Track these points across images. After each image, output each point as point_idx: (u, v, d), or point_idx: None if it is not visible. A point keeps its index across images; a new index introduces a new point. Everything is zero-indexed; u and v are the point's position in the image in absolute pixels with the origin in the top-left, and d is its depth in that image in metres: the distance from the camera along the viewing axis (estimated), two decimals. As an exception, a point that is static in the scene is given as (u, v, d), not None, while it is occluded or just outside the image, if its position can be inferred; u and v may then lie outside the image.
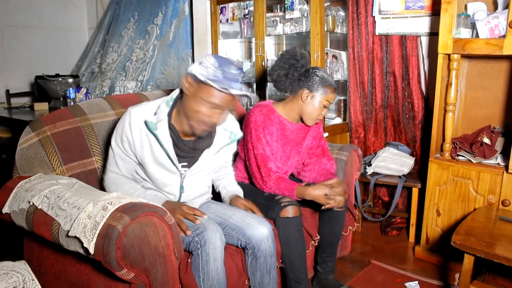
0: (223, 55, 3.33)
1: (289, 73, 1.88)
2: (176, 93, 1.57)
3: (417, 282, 2.13)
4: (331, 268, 2.04)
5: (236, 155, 2.09)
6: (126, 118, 1.52)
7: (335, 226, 1.96)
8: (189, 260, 1.49)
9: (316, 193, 1.76)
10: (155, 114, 1.53)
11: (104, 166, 1.68)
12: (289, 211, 1.72)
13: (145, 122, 1.50)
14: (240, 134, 1.72)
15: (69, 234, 1.25)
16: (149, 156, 1.54)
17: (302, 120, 1.92)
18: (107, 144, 1.75)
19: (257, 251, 1.60)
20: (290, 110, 1.91)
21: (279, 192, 1.81)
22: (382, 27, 2.71)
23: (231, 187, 1.83)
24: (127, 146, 1.54)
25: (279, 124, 1.89)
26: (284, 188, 1.80)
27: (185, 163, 1.60)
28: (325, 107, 1.86)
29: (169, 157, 1.54)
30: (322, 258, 2.02)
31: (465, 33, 2.13)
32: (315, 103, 1.85)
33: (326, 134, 2.41)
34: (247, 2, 3.06)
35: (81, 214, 1.25)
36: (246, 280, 1.65)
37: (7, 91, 3.88)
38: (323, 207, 1.78)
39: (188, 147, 1.59)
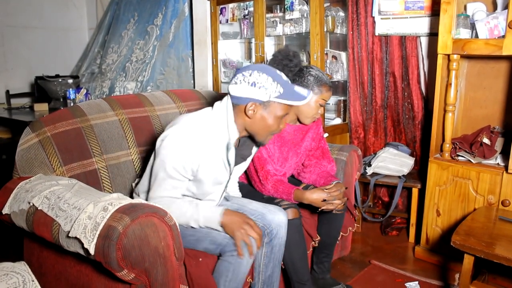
0: (223, 56, 3.34)
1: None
2: (225, 107, 1.49)
3: (417, 282, 2.13)
4: (327, 268, 2.04)
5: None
6: (192, 143, 1.41)
7: (332, 228, 1.97)
8: (200, 259, 1.50)
9: (313, 197, 1.76)
10: (219, 132, 1.47)
11: (148, 184, 1.55)
12: (289, 213, 1.72)
13: (227, 146, 1.47)
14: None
15: (70, 235, 1.25)
16: (209, 173, 1.50)
17: (299, 120, 1.92)
18: (115, 142, 1.76)
19: (274, 238, 1.61)
20: None
21: (277, 195, 1.81)
22: (382, 27, 2.71)
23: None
24: (190, 169, 1.44)
25: None
26: (282, 191, 1.80)
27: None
28: (320, 105, 1.86)
29: (229, 171, 1.55)
30: (319, 258, 2.02)
31: (465, 33, 2.13)
32: (310, 102, 1.84)
33: (326, 135, 2.41)
34: (247, 2, 3.06)
35: (81, 215, 1.25)
36: (249, 277, 1.65)
37: (7, 91, 3.88)
38: (319, 209, 1.78)
39: (238, 156, 1.60)
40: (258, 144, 1.62)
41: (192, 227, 1.48)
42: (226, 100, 1.49)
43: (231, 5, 3.17)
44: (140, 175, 1.78)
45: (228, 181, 1.61)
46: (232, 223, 1.43)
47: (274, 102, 1.43)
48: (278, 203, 1.76)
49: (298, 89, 1.47)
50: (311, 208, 1.89)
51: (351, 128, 2.98)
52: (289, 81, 1.48)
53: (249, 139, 1.62)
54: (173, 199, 1.47)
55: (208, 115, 1.50)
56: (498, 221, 1.85)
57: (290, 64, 1.86)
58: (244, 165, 1.71)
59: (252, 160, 1.83)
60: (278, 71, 1.47)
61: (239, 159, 1.63)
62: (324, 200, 1.76)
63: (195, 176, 1.48)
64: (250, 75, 1.40)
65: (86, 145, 1.72)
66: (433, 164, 2.28)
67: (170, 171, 1.42)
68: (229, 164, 1.53)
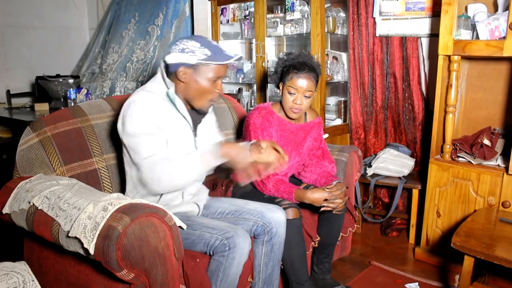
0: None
1: (277, 71, 1.90)
2: (159, 72, 1.56)
3: (417, 283, 2.13)
4: (328, 269, 2.04)
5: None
6: (145, 104, 1.46)
7: (332, 229, 1.96)
8: (197, 260, 1.50)
9: (314, 196, 1.76)
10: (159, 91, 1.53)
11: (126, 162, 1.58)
12: (290, 213, 1.72)
13: (167, 93, 1.52)
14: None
15: (69, 235, 1.25)
16: (172, 130, 1.52)
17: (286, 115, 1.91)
18: (116, 142, 1.76)
19: (274, 236, 1.63)
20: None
21: (278, 194, 1.81)
22: (383, 28, 2.71)
23: None
24: (155, 125, 1.46)
25: (278, 125, 1.89)
26: (283, 191, 1.80)
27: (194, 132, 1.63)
28: (291, 93, 1.80)
29: (189, 123, 1.57)
30: (319, 259, 2.02)
31: (466, 34, 2.13)
32: (285, 93, 1.83)
33: (326, 135, 2.40)
34: (248, 3, 3.06)
35: (81, 215, 1.25)
36: (249, 277, 1.65)
37: (8, 91, 3.88)
38: (321, 209, 1.78)
39: (194, 117, 1.62)
40: (200, 113, 1.63)
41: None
42: (160, 68, 1.56)
43: (232, 6, 3.17)
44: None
45: (195, 143, 1.61)
46: (232, 149, 1.45)
47: (202, 64, 1.48)
48: (278, 203, 1.76)
49: (227, 51, 1.52)
50: (312, 208, 1.89)
51: (351, 129, 2.97)
52: (219, 46, 1.53)
53: (195, 112, 1.62)
54: (163, 156, 1.44)
55: (149, 83, 1.57)
56: (498, 223, 1.85)
57: (286, 57, 1.87)
58: (208, 125, 1.70)
59: None
60: (209, 39, 1.54)
61: (196, 116, 1.62)
62: (326, 200, 1.76)
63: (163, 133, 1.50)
64: (180, 43, 1.49)
65: (86, 145, 1.73)
66: (433, 165, 2.28)
67: (141, 129, 1.43)
68: (183, 116, 1.54)
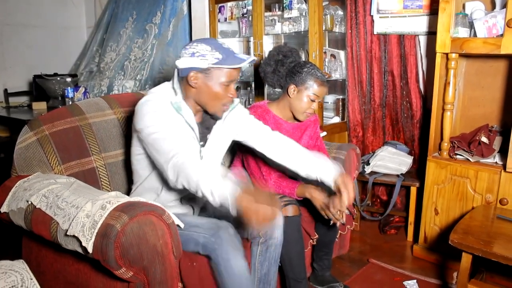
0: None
1: (276, 70, 1.88)
2: (168, 84, 1.54)
3: (415, 280, 2.14)
4: (327, 265, 2.05)
5: (234, 154, 2.09)
6: (150, 105, 1.43)
7: (330, 227, 1.96)
8: (194, 263, 1.49)
9: (315, 195, 1.76)
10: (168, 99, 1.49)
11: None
12: (289, 210, 1.72)
13: (171, 103, 1.47)
14: (237, 99, 1.66)
15: (68, 233, 1.25)
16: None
17: (295, 118, 1.92)
18: (114, 140, 1.75)
19: (269, 239, 1.61)
20: (283, 108, 1.91)
21: (280, 190, 1.81)
22: (381, 26, 2.71)
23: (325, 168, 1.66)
24: (171, 122, 1.42)
25: (274, 124, 1.89)
26: (285, 186, 1.80)
27: (202, 143, 1.58)
28: (312, 101, 1.84)
29: (195, 134, 1.52)
30: (319, 256, 2.03)
31: (463, 32, 2.13)
32: (302, 97, 1.84)
33: (324, 133, 2.40)
34: (246, 1, 3.06)
35: (79, 213, 1.25)
36: None
37: (5, 90, 3.87)
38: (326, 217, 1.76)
39: (203, 128, 1.58)
40: (214, 118, 1.58)
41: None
42: (174, 72, 1.52)
43: (229, 4, 3.17)
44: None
45: (201, 155, 1.57)
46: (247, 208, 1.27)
47: (214, 68, 1.44)
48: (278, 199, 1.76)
49: (240, 55, 1.48)
50: (311, 206, 1.89)
51: (349, 127, 2.98)
52: (231, 49, 1.48)
53: (207, 115, 1.58)
54: (192, 157, 1.34)
55: (157, 88, 1.54)
56: (496, 220, 1.86)
57: (286, 60, 1.87)
58: (217, 133, 1.62)
59: (254, 156, 1.83)
60: (220, 41, 1.49)
61: (204, 129, 1.59)
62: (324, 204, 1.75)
63: None
64: (190, 47, 1.45)
65: (84, 144, 1.72)
66: (431, 163, 2.28)
67: (160, 127, 1.39)
68: (191, 127, 1.50)
